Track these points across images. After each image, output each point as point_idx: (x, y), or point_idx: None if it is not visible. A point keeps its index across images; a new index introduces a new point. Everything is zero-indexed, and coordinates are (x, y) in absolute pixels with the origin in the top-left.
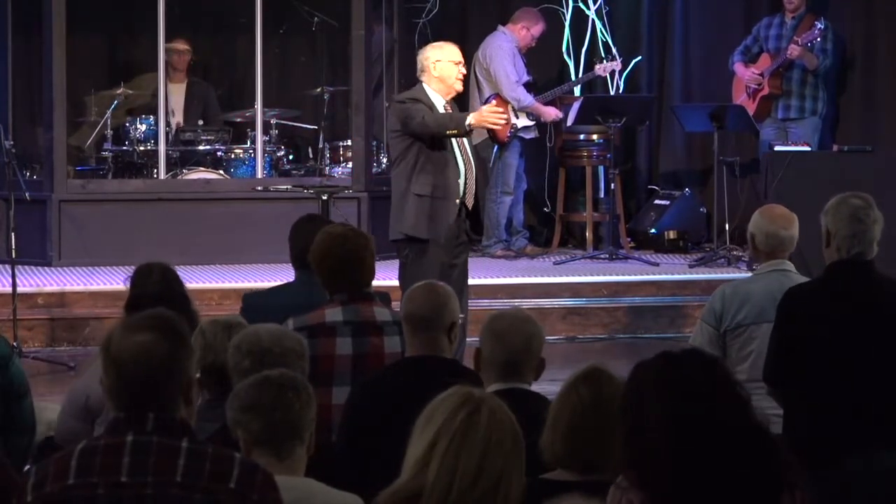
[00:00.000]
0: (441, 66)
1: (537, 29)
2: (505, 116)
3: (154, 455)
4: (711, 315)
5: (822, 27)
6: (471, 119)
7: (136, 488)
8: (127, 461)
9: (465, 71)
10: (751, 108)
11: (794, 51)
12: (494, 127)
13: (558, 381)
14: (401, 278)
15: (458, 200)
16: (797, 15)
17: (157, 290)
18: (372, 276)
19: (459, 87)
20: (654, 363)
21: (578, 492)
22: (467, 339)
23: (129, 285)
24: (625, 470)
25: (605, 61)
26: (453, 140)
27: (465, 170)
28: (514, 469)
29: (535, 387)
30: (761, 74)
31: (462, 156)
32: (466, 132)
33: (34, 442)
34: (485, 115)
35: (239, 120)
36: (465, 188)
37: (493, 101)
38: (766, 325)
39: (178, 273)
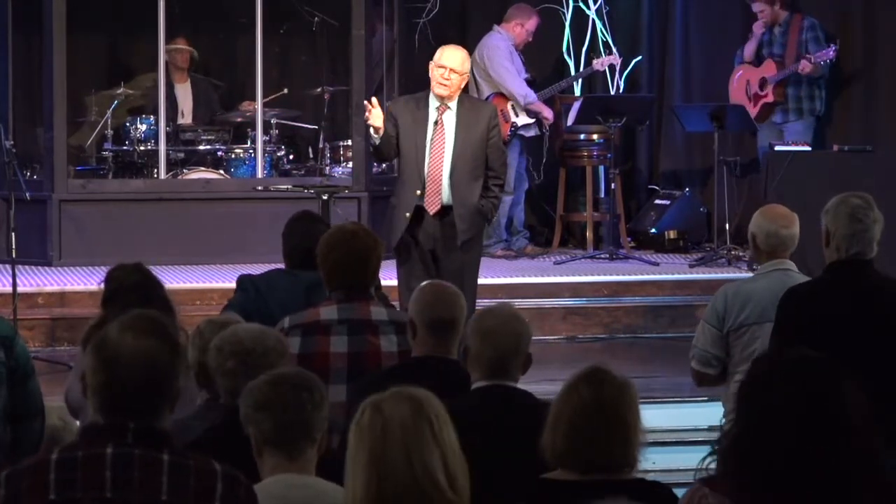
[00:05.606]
0: (432, 68)
1: (531, 24)
2: (374, 111)
3: (137, 469)
4: (714, 316)
5: (837, 48)
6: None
7: None
8: (109, 475)
9: (448, 77)
10: (752, 113)
11: (805, 67)
12: (372, 125)
13: (558, 381)
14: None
15: (408, 214)
16: (782, 21)
17: (134, 280)
18: (373, 280)
19: (439, 90)
20: (791, 355)
21: (625, 494)
22: None
23: (103, 283)
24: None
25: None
26: (421, 149)
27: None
28: (429, 455)
29: (536, 388)
30: (764, 79)
31: (429, 166)
32: (372, 141)
33: (44, 427)
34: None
35: (239, 119)
36: (423, 196)
37: (492, 101)
38: (768, 324)
39: (178, 273)
